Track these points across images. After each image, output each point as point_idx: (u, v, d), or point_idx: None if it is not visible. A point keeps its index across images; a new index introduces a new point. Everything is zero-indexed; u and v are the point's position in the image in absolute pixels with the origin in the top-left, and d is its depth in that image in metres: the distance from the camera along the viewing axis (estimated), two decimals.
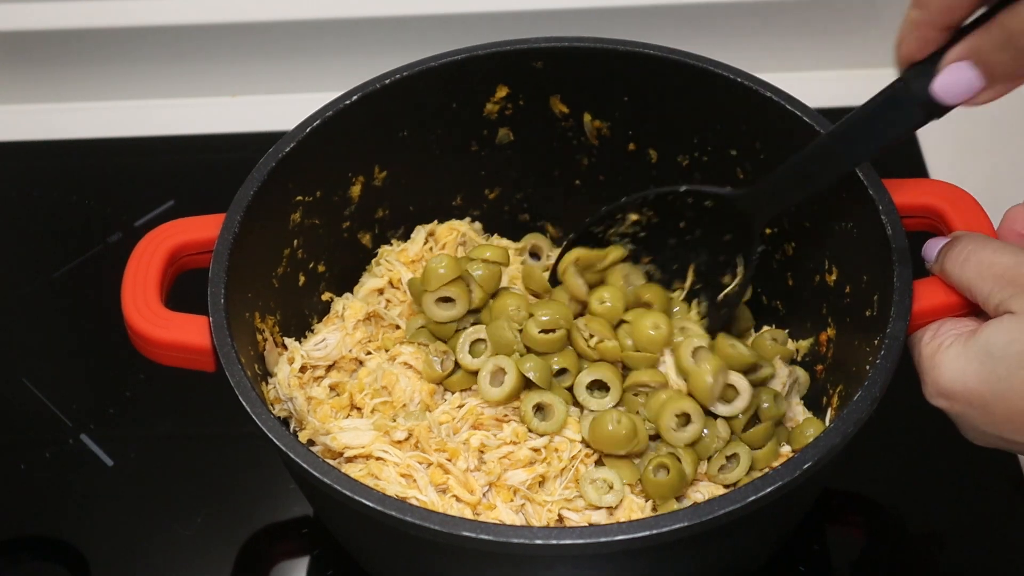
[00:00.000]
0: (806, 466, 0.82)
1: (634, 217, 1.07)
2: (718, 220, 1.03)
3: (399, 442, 0.97)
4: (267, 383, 1.00)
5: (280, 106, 1.29)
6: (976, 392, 0.84)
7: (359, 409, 1.02)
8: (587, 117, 1.10)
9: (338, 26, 1.35)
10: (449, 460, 0.95)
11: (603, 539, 0.80)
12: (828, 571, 1.05)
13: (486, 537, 0.80)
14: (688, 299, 1.07)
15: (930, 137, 1.32)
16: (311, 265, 1.07)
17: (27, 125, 1.40)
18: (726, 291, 1.04)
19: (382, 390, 1.01)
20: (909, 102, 0.86)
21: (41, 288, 1.25)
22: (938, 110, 0.85)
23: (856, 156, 0.92)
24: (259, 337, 1.00)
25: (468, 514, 0.94)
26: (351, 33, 1.36)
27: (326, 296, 1.10)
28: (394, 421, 0.98)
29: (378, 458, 0.96)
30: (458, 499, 0.94)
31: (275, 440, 0.86)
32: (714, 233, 1.04)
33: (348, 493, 0.83)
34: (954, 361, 0.86)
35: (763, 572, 1.04)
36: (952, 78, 0.83)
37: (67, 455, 1.13)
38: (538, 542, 0.80)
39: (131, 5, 1.35)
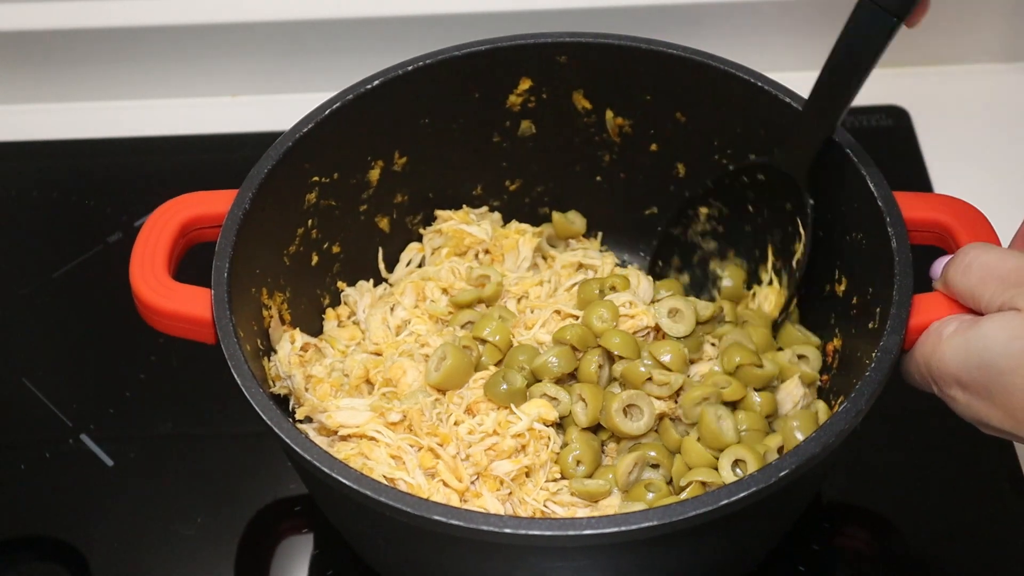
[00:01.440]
0: (782, 473, 0.82)
1: (705, 211, 1.09)
2: (773, 189, 1.04)
3: (393, 424, 0.97)
4: (269, 359, 1.01)
5: (280, 106, 1.27)
6: (980, 384, 0.84)
7: (372, 384, 1.03)
8: (609, 114, 1.10)
9: (340, 26, 1.35)
10: (440, 445, 0.96)
11: (571, 532, 0.80)
12: (828, 571, 1.05)
13: (456, 523, 0.81)
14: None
15: (933, 147, 1.31)
16: (325, 246, 1.08)
17: (27, 125, 1.39)
18: (796, 257, 1.05)
19: (388, 382, 1.02)
20: (877, 10, 0.91)
21: (41, 288, 1.25)
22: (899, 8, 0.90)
23: (853, 77, 0.94)
24: (265, 313, 1.01)
25: (455, 500, 0.94)
26: (354, 33, 1.35)
27: (341, 286, 1.11)
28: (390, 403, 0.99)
29: (371, 438, 0.96)
30: (446, 484, 0.95)
31: (261, 413, 0.87)
32: (777, 206, 1.05)
33: (327, 470, 0.84)
34: (956, 353, 0.85)
35: (762, 572, 1.03)
36: None
37: (67, 455, 1.13)
38: (507, 531, 0.80)
39: (131, 5, 1.35)
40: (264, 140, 1.01)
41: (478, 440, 0.96)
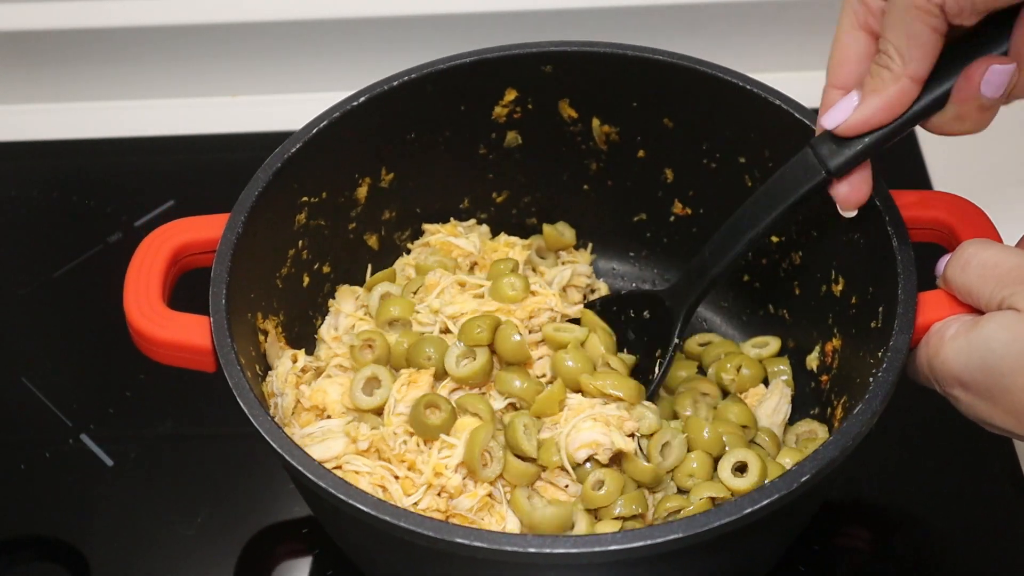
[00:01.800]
0: (803, 479, 0.81)
1: None
2: (648, 329, 1.05)
3: (363, 452, 0.96)
4: (267, 379, 1.00)
5: (280, 106, 1.27)
6: (983, 385, 0.84)
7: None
8: (596, 122, 1.09)
9: (340, 26, 1.35)
10: (411, 470, 0.95)
11: (597, 548, 0.79)
12: (828, 571, 1.05)
13: (480, 544, 0.80)
14: None
15: (933, 147, 1.32)
16: (316, 266, 1.07)
17: (27, 125, 1.39)
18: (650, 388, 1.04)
19: (316, 409, 1.01)
20: (812, 162, 0.91)
21: (41, 288, 1.25)
22: (835, 168, 0.90)
23: (756, 223, 0.95)
24: (261, 338, 1.00)
25: None
26: (353, 33, 1.35)
27: (332, 304, 1.10)
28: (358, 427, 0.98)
29: (354, 471, 0.95)
30: (425, 511, 0.93)
31: (272, 442, 0.85)
32: (644, 345, 1.05)
33: (343, 497, 0.82)
34: (958, 355, 0.85)
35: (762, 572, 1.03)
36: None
37: (67, 455, 1.12)
38: (531, 550, 0.80)
39: (131, 5, 1.35)
40: (264, 140, 1.01)
41: (423, 492, 0.94)
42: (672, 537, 0.79)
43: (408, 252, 1.14)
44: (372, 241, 1.11)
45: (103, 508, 1.09)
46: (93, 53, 1.36)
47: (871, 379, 0.88)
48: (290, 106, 1.03)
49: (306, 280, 1.06)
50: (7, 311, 1.24)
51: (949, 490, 1.09)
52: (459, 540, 0.80)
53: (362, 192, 1.08)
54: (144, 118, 1.39)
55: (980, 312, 0.87)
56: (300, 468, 0.84)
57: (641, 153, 1.10)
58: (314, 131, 1.01)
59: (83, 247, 1.27)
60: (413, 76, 1.04)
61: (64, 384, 1.17)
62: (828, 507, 1.07)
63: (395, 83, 1.04)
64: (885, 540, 1.07)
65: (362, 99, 1.03)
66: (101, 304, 1.20)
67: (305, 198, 1.03)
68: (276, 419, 0.99)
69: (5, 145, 1.38)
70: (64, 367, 1.20)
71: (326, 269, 1.08)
